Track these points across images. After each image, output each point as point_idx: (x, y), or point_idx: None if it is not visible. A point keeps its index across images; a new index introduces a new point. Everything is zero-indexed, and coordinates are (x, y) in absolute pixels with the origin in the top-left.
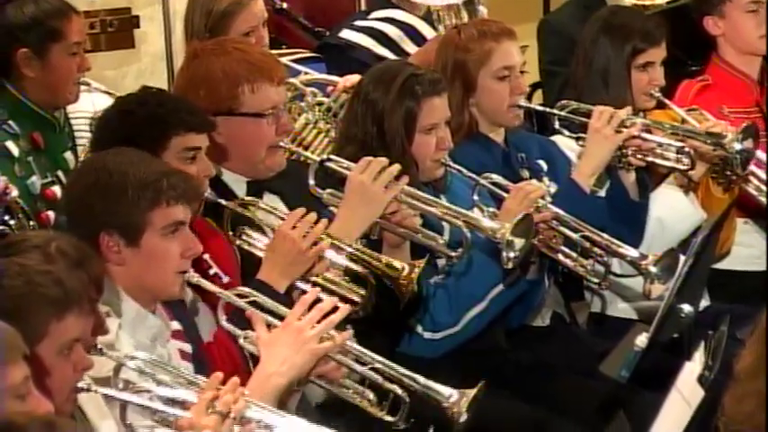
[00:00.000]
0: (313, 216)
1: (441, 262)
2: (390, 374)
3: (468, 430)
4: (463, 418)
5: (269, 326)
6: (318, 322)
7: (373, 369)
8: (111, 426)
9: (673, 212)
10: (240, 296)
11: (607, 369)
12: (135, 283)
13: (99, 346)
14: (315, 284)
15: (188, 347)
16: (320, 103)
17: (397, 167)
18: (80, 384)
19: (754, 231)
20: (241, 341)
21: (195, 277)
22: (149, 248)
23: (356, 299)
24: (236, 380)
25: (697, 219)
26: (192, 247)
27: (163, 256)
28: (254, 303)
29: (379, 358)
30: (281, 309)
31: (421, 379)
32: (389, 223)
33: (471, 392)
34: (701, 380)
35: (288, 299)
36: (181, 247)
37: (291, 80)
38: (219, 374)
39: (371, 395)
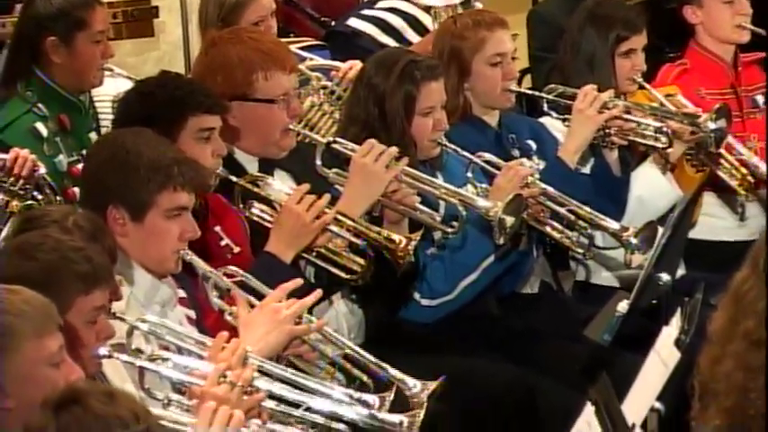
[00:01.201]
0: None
1: (437, 235)
2: (360, 361)
3: (463, 391)
4: (423, 407)
5: (252, 306)
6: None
7: (344, 355)
8: (131, 389)
9: (651, 190)
10: (228, 275)
11: (591, 333)
12: (138, 254)
13: (113, 311)
14: (318, 255)
15: (192, 314)
16: (324, 87)
17: (396, 149)
18: (102, 351)
19: (724, 205)
20: (226, 316)
21: (189, 255)
22: (152, 226)
23: (356, 269)
24: (244, 349)
25: (673, 196)
26: (191, 231)
27: (163, 236)
28: (240, 283)
29: (351, 345)
30: (266, 290)
31: (389, 368)
32: (390, 201)
33: (433, 385)
34: (678, 343)
35: (294, 269)
36: (180, 229)
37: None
38: (224, 334)
39: (341, 377)
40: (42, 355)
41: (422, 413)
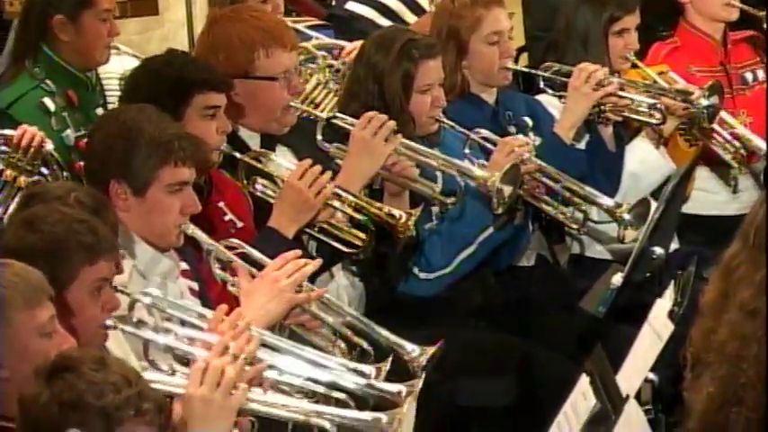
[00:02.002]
0: (319, 167)
1: (434, 210)
2: (360, 328)
3: (462, 362)
4: (422, 371)
5: (253, 277)
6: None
7: (345, 323)
8: (134, 361)
9: (644, 165)
10: (229, 248)
11: (586, 305)
12: (140, 228)
13: (114, 284)
14: (320, 229)
15: (195, 286)
16: (330, 66)
17: (394, 123)
18: (108, 323)
19: (717, 179)
20: (228, 287)
21: (191, 228)
22: (153, 201)
23: (358, 243)
24: (247, 322)
25: (666, 170)
26: (192, 205)
27: (164, 210)
28: (241, 255)
29: (352, 312)
30: (267, 261)
31: (390, 335)
32: (390, 174)
33: (431, 350)
34: (671, 315)
35: (296, 244)
36: (182, 203)
37: (304, 44)
38: (224, 307)
39: (343, 344)
40: (33, 325)
41: (420, 383)
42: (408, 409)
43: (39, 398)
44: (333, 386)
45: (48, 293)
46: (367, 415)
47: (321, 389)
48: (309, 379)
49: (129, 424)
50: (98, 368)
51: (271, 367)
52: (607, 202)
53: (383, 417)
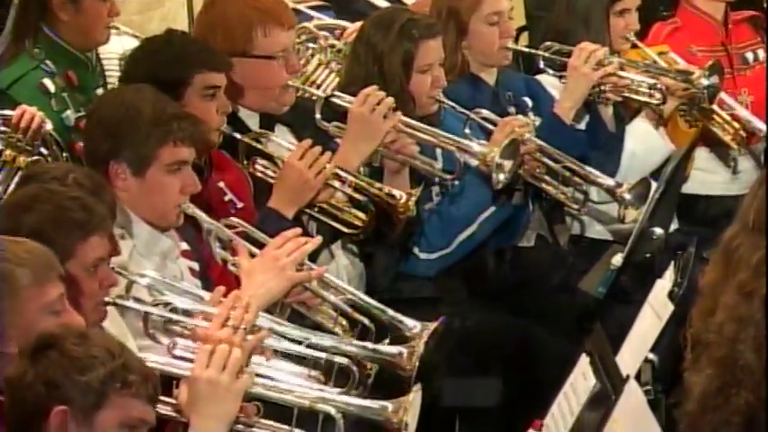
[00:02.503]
0: (319, 148)
1: (434, 190)
2: (361, 305)
3: (460, 343)
4: (422, 347)
5: (253, 255)
6: None
7: (345, 300)
8: (130, 341)
9: (644, 145)
10: (229, 227)
11: (586, 286)
12: (140, 208)
13: (112, 265)
14: (320, 210)
15: (195, 266)
16: (332, 46)
17: (392, 99)
18: (107, 299)
19: (717, 159)
20: (229, 266)
21: (191, 208)
22: (153, 181)
23: (358, 223)
24: (248, 299)
25: (666, 151)
26: (192, 185)
27: (164, 190)
28: (242, 234)
29: (352, 290)
30: (268, 241)
31: (389, 311)
32: (389, 151)
33: (432, 326)
34: (671, 295)
35: (296, 224)
36: (181, 183)
37: (305, 24)
38: (222, 288)
39: (344, 322)
40: (43, 302)
41: (421, 344)
42: (414, 398)
43: (24, 377)
44: (334, 351)
45: (57, 271)
46: (373, 402)
47: (323, 356)
48: (310, 345)
49: (115, 397)
50: (80, 343)
51: (271, 336)
52: (607, 181)
53: (389, 404)
